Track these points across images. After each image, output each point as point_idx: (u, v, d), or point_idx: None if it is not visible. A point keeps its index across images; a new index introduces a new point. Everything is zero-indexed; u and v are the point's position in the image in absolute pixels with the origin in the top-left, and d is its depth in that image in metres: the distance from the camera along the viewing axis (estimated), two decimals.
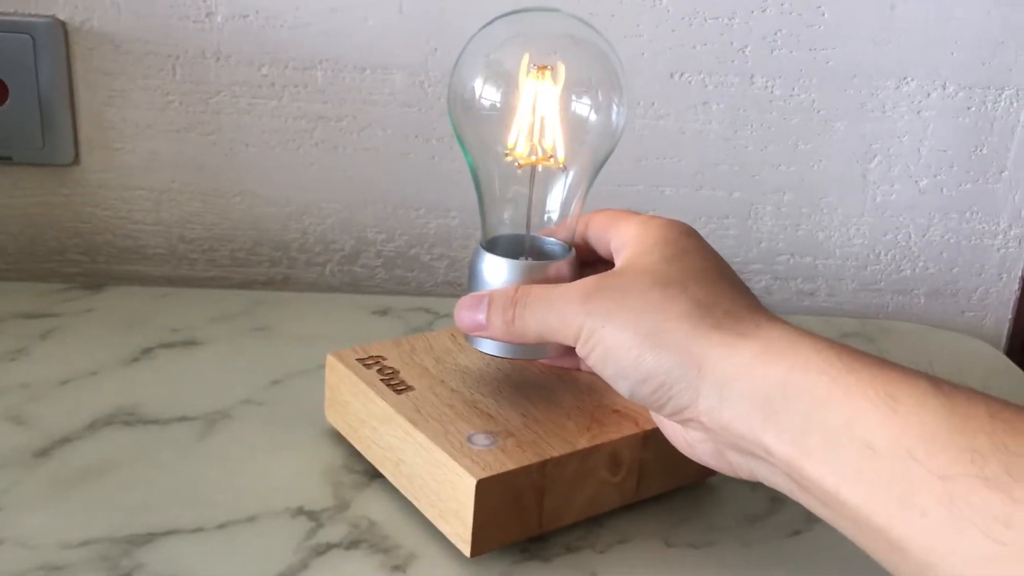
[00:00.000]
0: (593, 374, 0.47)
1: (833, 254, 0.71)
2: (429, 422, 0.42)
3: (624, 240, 0.41)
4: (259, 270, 0.69)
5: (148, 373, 0.53)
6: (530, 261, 0.43)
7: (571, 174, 0.44)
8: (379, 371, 0.46)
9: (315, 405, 0.49)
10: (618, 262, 0.41)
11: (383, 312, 0.63)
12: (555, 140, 0.43)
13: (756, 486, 0.47)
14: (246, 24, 0.63)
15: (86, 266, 0.68)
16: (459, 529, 0.39)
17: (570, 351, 0.44)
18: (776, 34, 0.65)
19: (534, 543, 0.42)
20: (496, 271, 0.42)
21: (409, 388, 0.44)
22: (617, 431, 0.42)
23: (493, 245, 0.44)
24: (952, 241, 0.71)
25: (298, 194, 0.68)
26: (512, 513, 0.40)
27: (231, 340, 0.58)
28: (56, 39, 0.63)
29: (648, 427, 0.43)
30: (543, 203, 0.44)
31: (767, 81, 0.66)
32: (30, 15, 0.62)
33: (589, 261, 0.44)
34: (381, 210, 0.68)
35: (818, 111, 0.67)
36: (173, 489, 0.43)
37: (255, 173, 0.67)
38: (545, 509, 0.41)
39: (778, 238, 0.70)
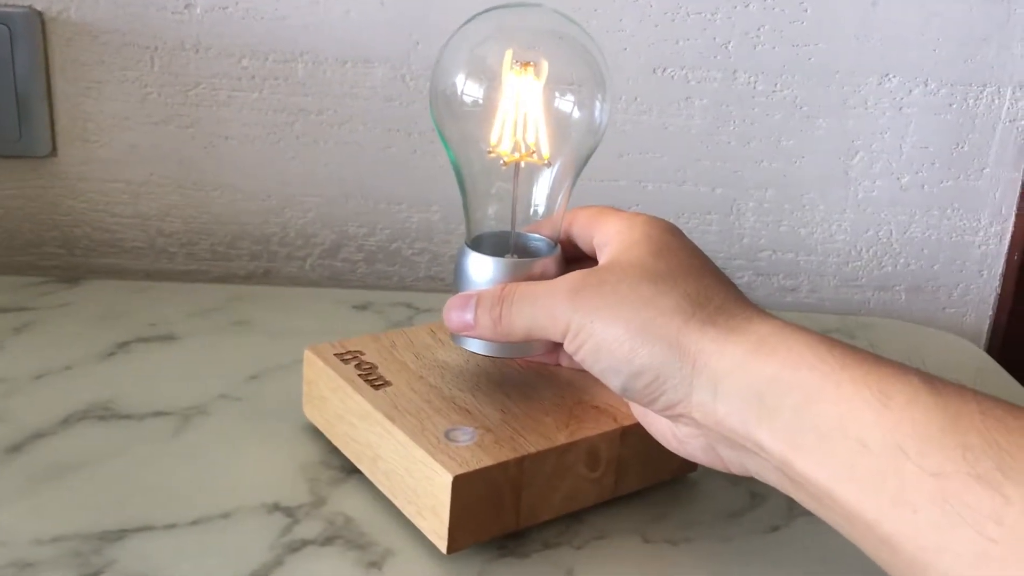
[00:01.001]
0: (573, 370, 0.47)
1: (815, 250, 0.71)
2: (407, 418, 0.41)
3: (608, 236, 0.41)
4: (239, 264, 0.69)
5: (124, 368, 0.53)
6: (515, 258, 0.42)
7: (555, 170, 0.44)
8: (357, 366, 0.45)
9: (293, 400, 0.49)
10: (603, 258, 0.41)
11: (363, 307, 0.63)
12: (538, 136, 0.43)
13: (736, 482, 0.47)
14: (225, 15, 0.63)
15: (63, 259, 0.68)
16: (436, 525, 0.39)
17: (553, 347, 0.44)
18: (759, 30, 0.65)
19: (512, 539, 0.41)
20: (482, 269, 0.42)
21: (387, 384, 0.44)
22: (596, 427, 0.42)
23: (478, 243, 0.44)
24: (933, 238, 0.71)
25: (278, 188, 0.67)
26: (489, 509, 0.40)
27: (209, 335, 0.57)
28: (33, 29, 0.62)
29: (627, 423, 0.43)
30: (527, 200, 0.44)
31: (750, 77, 0.66)
32: (7, 4, 0.61)
33: (573, 258, 0.44)
34: (362, 204, 0.68)
35: (801, 107, 0.67)
36: (147, 485, 0.43)
37: (235, 166, 0.66)
38: (523, 505, 0.41)
39: (760, 234, 0.70)
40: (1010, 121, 0.68)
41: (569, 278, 0.39)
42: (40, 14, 0.62)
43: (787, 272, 0.71)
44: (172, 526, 0.40)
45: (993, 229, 0.71)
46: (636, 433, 0.43)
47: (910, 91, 0.67)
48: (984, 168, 0.69)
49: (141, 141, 0.65)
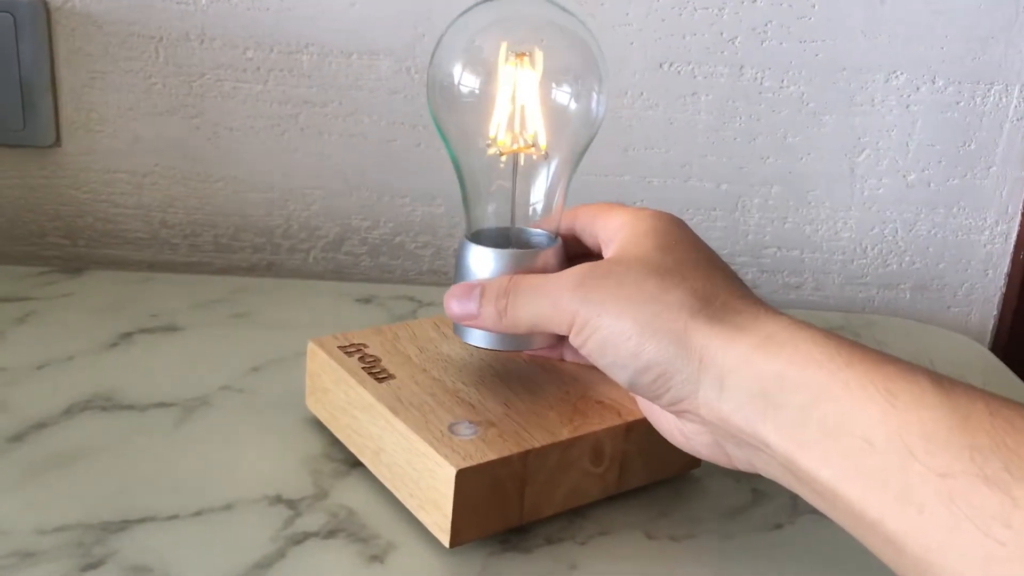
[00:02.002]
0: (577, 364, 0.46)
1: (820, 248, 0.71)
2: (410, 411, 0.41)
3: (613, 230, 0.41)
4: (242, 256, 0.69)
5: (126, 358, 0.52)
6: (517, 250, 0.42)
7: (553, 163, 0.43)
8: (360, 359, 0.45)
9: (295, 392, 0.48)
10: (608, 252, 0.40)
11: (367, 300, 0.62)
12: (535, 128, 0.42)
13: (739, 479, 0.46)
14: (230, 6, 0.63)
15: (66, 249, 0.67)
16: (439, 519, 0.39)
17: (555, 341, 0.44)
18: (766, 25, 0.65)
19: (514, 534, 0.41)
20: (483, 262, 0.42)
21: (391, 376, 0.44)
22: (600, 422, 0.42)
23: (479, 237, 0.44)
24: (939, 236, 0.71)
25: (282, 180, 0.67)
26: (492, 504, 0.39)
27: (211, 326, 0.57)
28: (38, 19, 0.62)
29: (631, 419, 0.42)
30: (526, 193, 0.44)
31: (756, 73, 0.66)
32: None
33: (578, 254, 0.44)
34: (366, 197, 0.68)
35: (807, 104, 0.67)
36: (149, 476, 0.43)
37: (239, 158, 0.66)
38: (526, 500, 0.40)
39: (765, 231, 0.70)
40: (1017, 119, 0.68)
41: (576, 270, 0.39)
42: (45, 3, 0.62)
43: (792, 269, 0.71)
44: (174, 517, 0.40)
45: (999, 228, 0.71)
46: (640, 429, 0.43)
47: (917, 88, 0.67)
48: (991, 167, 0.69)
49: (145, 132, 0.65)
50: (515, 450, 0.39)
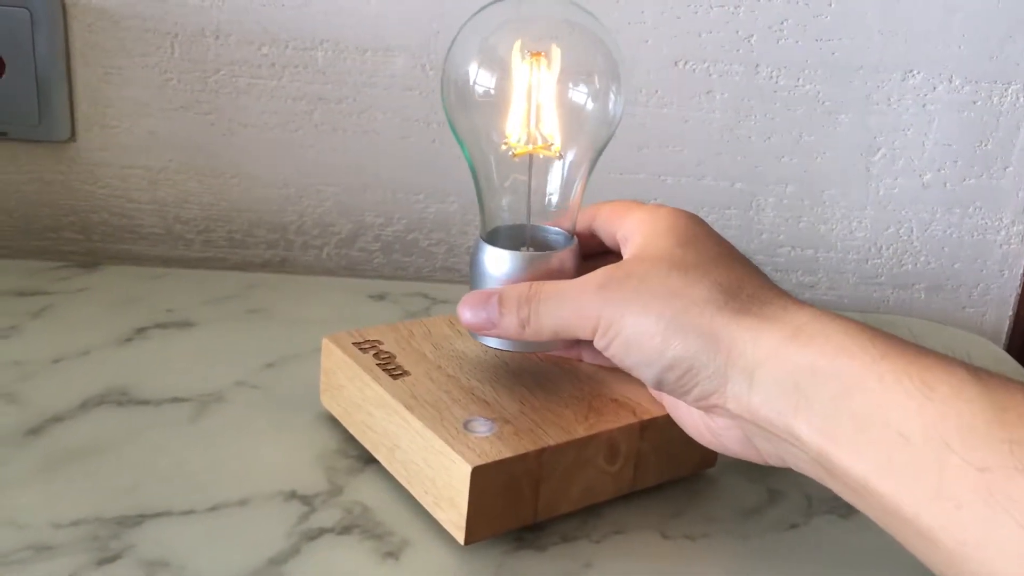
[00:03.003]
0: (594, 363, 0.46)
1: (835, 247, 0.70)
2: (425, 408, 0.41)
3: (631, 229, 0.40)
4: (255, 252, 0.69)
5: (141, 353, 0.53)
6: (532, 252, 0.42)
7: (569, 162, 0.43)
8: (375, 355, 0.45)
9: (309, 389, 0.48)
10: (627, 251, 0.40)
11: (380, 296, 0.63)
12: (551, 128, 0.42)
13: (754, 479, 0.46)
14: (246, 2, 0.63)
15: (81, 244, 0.68)
16: (453, 516, 0.39)
17: (573, 343, 0.44)
18: (782, 24, 0.65)
19: (529, 532, 0.41)
20: (498, 263, 0.42)
21: (405, 373, 0.44)
22: (615, 420, 0.42)
23: (494, 236, 0.44)
24: (954, 236, 0.70)
25: (296, 176, 0.67)
26: (508, 501, 0.39)
27: (225, 322, 0.57)
28: (54, 14, 0.62)
29: (646, 417, 0.42)
30: (542, 192, 0.44)
31: (772, 71, 0.66)
32: None
33: (596, 253, 0.44)
34: (380, 194, 0.68)
35: (823, 103, 0.66)
36: (164, 471, 0.43)
37: (253, 154, 0.66)
38: (541, 498, 0.40)
39: (779, 230, 0.70)
40: None
41: (597, 274, 0.38)
42: None
43: (806, 269, 0.71)
44: (189, 512, 0.40)
45: (1015, 228, 0.70)
46: (655, 427, 0.43)
47: (934, 87, 0.66)
48: (1007, 167, 0.69)
49: (160, 128, 0.65)
50: (530, 448, 0.39)
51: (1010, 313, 0.73)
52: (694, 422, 0.39)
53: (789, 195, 0.69)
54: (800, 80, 0.66)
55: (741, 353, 0.34)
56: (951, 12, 0.65)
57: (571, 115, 0.42)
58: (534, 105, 0.42)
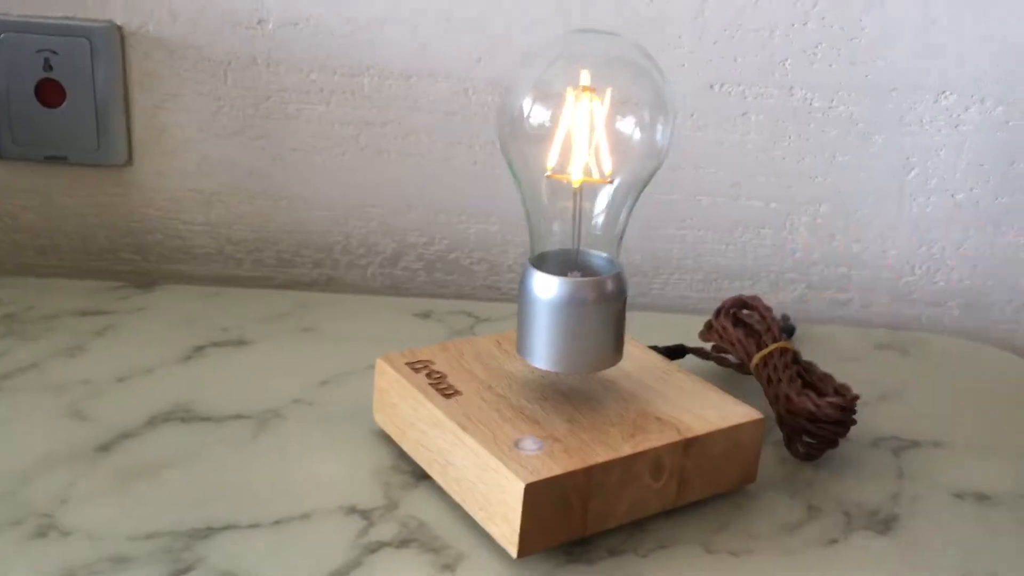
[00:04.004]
0: (633, 381, 0.48)
1: (868, 265, 0.72)
2: (478, 427, 0.43)
3: None
4: (302, 271, 0.71)
5: (201, 371, 0.55)
6: (579, 278, 0.44)
7: (617, 190, 0.45)
8: (428, 375, 0.47)
9: (363, 406, 0.50)
10: None
11: (425, 315, 0.64)
12: (603, 159, 0.44)
13: (793, 494, 0.48)
14: (296, 31, 0.65)
15: (137, 264, 0.70)
16: (506, 531, 0.41)
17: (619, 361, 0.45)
18: (816, 47, 0.66)
19: (578, 546, 0.43)
20: (546, 288, 0.44)
21: (457, 393, 0.46)
22: (659, 438, 0.44)
23: (541, 261, 0.46)
24: (987, 254, 0.71)
25: (342, 198, 0.69)
26: (558, 516, 0.41)
27: (279, 340, 0.59)
28: (113, 43, 0.65)
29: (689, 435, 0.44)
30: (589, 219, 0.46)
31: (806, 93, 0.67)
32: (88, 19, 0.64)
33: None
34: (423, 215, 0.70)
35: (856, 124, 0.68)
36: (230, 485, 0.45)
37: (301, 177, 0.68)
38: (590, 513, 0.42)
39: (813, 249, 0.71)
40: None
41: None
42: (120, 28, 0.65)
43: (839, 287, 0.72)
44: (255, 526, 0.42)
45: None
46: (698, 444, 0.44)
47: (966, 108, 0.68)
48: None
49: (213, 152, 0.68)
50: (580, 465, 0.41)
51: None
52: None
53: (823, 214, 0.70)
54: (834, 102, 0.67)
55: None
56: (984, 34, 0.66)
57: (620, 147, 0.44)
58: (585, 138, 0.44)
